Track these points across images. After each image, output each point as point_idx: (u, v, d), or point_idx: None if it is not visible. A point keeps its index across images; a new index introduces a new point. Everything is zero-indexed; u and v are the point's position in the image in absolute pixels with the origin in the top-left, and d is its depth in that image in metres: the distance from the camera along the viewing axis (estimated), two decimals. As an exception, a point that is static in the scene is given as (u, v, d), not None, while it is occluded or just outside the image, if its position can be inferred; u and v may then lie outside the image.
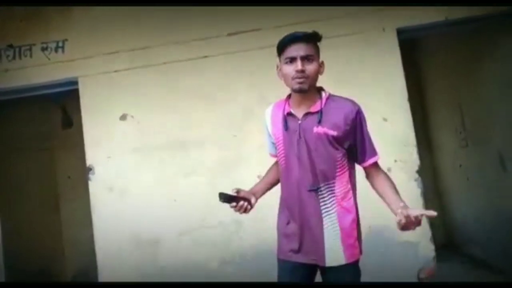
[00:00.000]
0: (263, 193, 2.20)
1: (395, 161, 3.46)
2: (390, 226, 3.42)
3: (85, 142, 3.75)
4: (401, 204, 1.79)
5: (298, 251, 2.00)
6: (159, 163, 3.66)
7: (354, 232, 2.00)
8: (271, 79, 3.41)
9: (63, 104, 6.32)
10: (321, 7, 3.49)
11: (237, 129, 3.62)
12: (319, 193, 1.93)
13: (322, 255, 1.94)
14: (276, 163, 2.21)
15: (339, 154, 1.93)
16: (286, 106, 2.02)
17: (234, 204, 2.00)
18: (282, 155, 2.03)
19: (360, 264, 3.36)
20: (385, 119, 3.48)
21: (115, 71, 3.73)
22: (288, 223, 2.04)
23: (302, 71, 1.87)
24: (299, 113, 1.98)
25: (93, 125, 3.75)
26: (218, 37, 3.64)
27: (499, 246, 4.53)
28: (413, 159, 3.44)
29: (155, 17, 3.71)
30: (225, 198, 1.99)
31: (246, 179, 3.50)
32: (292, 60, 1.89)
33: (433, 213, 1.71)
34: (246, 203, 2.01)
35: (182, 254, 3.57)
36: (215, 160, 3.63)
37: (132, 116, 3.72)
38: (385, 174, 2.05)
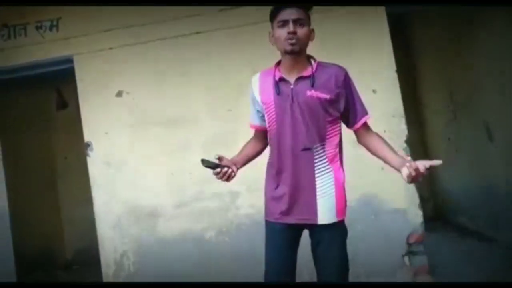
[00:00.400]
0: (243, 165, 2.24)
1: (384, 131, 3.53)
2: (380, 195, 3.58)
3: (82, 119, 3.82)
4: (408, 158, 1.90)
5: (287, 212, 2.08)
6: (156, 138, 3.74)
7: (344, 192, 2.12)
8: (264, 53, 3.51)
9: (58, 86, 6.37)
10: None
11: (232, 104, 3.70)
12: (314, 152, 2.02)
13: (314, 214, 2.04)
14: (255, 137, 2.32)
15: (331, 117, 2.03)
16: (277, 72, 2.09)
17: (217, 170, 2.04)
18: (274, 120, 2.09)
19: (351, 230, 3.52)
20: (374, 91, 3.58)
21: (110, 48, 3.79)
22: (276, 187, 2.12)
23: (294, 32, 1.95)
24: (291, 78, 2.05)
25: (89, 102, 3.83)
26: (211, 13, 3.70)
27: (486, 215, 4.69)
28: (401, 129, 3.55)
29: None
30: (208, 164, 2.02)
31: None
32: (285, 23, 1.97)
33: (438, 162, 1.79)
34: (229, 170, 2.06)
35: (180, 225, 3.68)
36: (211, 134, 3.71)
37: (128, 93, 3.80)
38: (377, 133, 2.14)
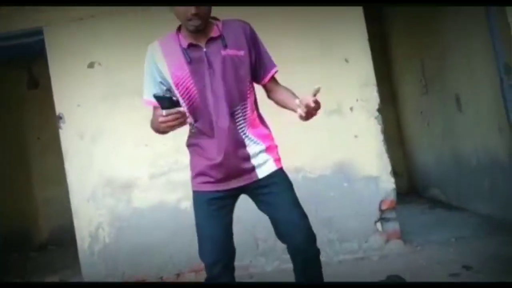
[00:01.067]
0: None
1: (357, 100, 3.63)
2: (352, 162, 3.64)
3: (53, 92, 3.77)
4: (297, 100, 1.78)
5: (225, 180, 1.94)
6: (129, 109, 3.70)
7: (274, 142, 2.04)
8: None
9: (28, 66, 6.26)
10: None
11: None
12: (238, 114, 1.92)
13: (251, 171, 1.94)
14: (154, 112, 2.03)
15: (248, 75, 1.94)
16: (182, 39, 1.93)
17: (175, 110, 1.71)
18: (193, 90, 1.90)
19: (325, 198, 3.58)
20: (346, 60, 3.62)
21: (80, 19, 3.74)
22: (208, 158, 1.95)
23: (196, 14, 1.80)
24: (200, 42, 1.90)
25: (60, 74, 3.77)
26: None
27: (456, 186, 4.82)
28: (373, 97, 3.61)
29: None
30: (163, 100, 1.71)
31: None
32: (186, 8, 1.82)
33: (318, 86, 1.69)
34: (183, 109, 1.78)
35: (155, 196, 3.68)
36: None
37: (100, 64, 3.76)
38: (285, 86, 2.04)
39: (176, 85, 1.92)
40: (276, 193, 1.95)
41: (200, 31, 1.88)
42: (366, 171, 3.62)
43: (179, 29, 1.96)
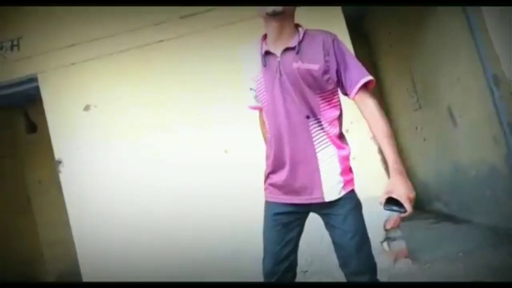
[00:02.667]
0: None
1: (351, 122, 3.64)
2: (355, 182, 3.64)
3: (51, 137, 3.81)
4: (395, 168, 1.71)
5: (290, 192, 1.91)
6: (127, 150, 3.74)
7: (349, 163, 1.94)
8: (229, 56, 3.60)
9: (25, 109, 6.31)
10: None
11: (199, 108, 3.74)
12: (310, 125, 1.84)
13: (319, 191, 1.85)
14: (261, 119, 2.10)
15: (322, 89, 1.84)
16: (263, 45, 1.92)
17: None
18: (265, 97, 1.93)
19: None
20: (338, 84, 3.66)
21: (73, 64, 3.80)
22: (277, 166, 1.93)
23: None
24: (277, 50, 1.88)
25: (57, 119, 3.82)
26: (171, 21, 3.75)
27: (458, 199, 4.82)
28: (368, 120, 3.63)
29: (106, 7, 3.78)
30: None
31: (213, 155, 3.69)
32: None
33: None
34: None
35: (160, 235, 3.67)
36: (181, 141, 3.74)
37: (96, 106, 3.80)
38: (373, 106, 1.82)
39: (257, 89, 1.96)
40: (340, 217, 1.88)
41: (280, 20, 1.84)
42: (367, 192, 3.56)
43: (265, 36, 1.95)
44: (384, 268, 3.53)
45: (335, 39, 1.84)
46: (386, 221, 3.59)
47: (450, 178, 4.90)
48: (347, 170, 1.90)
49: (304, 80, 1.82)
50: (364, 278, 1.88)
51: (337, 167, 1.87)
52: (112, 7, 3.75)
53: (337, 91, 1.90)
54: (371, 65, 6.27)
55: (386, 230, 3.59)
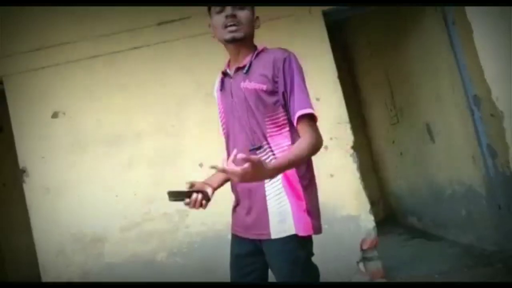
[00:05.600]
0: (222, 183, 1.90)
1: (331, 138, 3.57)
2: (331, 202, 3.57)
3: (16, 144, 3.60)
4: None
5: (242, 225, 1.78)
6: (96, 159, 3.57)
7: (301, 204, 1.68)
8: (204, 66, 3.48)
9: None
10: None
11: (174, 119, 3.61)
12: (260, 153, 1.68)
13: (266, 227, 1.68)
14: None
15: (271, 111, 1.69)
16: (225, 67, 1.85)
17: (186, 201, 1.70)
18: (223, 120, 1.82)
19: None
20: (317, 99, 3.57)
21: (42, 68, 3.60)
22: (238, 202, 1.82)
23: (233, 15, 1.69)
24: (232, 70, 1.80)
25: (23, 125, 3.61)
26: (148, 28, 3.60)
27: (432, 215, 4.81)
28: (347, 135, 3.57)
29: (79, 10, 3.61)
30: (175, 196, 1.69)
31: (187, 168, 3.56)
32: (221, 10, 1.72)
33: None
34: (200, 196, 1.70)
35: (128, 249, 3.51)
36: (154, 151, 3.59)
37: (64, 113, 3.61)
38: (309, 137, 1.62)
39: (219, 115, 1.86)
40: (276, 259, 1.70)
41: (237, 53, 1.76)
42: (345, 210, 3.55)
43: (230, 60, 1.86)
44: (360, 289, 3.47)
45: (287, 58, 1.67)
46: (363, 240, 3.53)
47: (425, 194, 4.89)
48: (300, 208, 1.67)
49: (251, 101, 1.69)
50: None
51: (286, 203, 1.67)
52: (85, 10, 3.57)
53: (287, 118, 1.70)
54: (350, 75, 6.24)
55: (362, 250, 3.52)
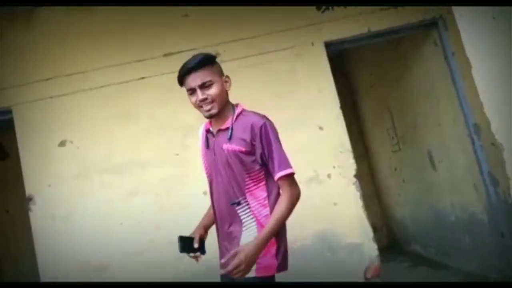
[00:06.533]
0: (212, 223, 2.16)
1: (334, 167, 3.62)
2: (334, 230, 3.59)
3: (23, 172, 3.64)
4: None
5: (223, 265, 1.92)
6: (102, 188, 3.61)
7: (271, 248, 1.90)
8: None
9: (-2, 136, 6.09)
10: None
11: (178, 148, 3.66)
12: (238, 207, 1.93)
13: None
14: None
15: (249, 171, 1.91)
16: (208, 124, 2.08)
17: (191, 255, 2.11)
18: (208, 173, 2.06)
19: (309, 269, 3.50)
20: (321, 128, 3.65)
21: (50, 97, 3.67)
22: (221, 242, 2.05)
23: (204, 99, 1.91)
24: (215, 129, 2.01)
25: (30, 154, 3.66)
26: (154, 58, 3.69)
27: (437, 242, 4.81)
28: (350, 164, 3.62)
29: (87, 40, 3.71)
30: (185, 248, 2.05)
31: (192, 196, 3.59)
32: (193, 91, 1.93)
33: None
34: (199, 254, 2.11)
35: (133, 277, 3.51)
36: (159, 180, 3.63)
37: (71, 142, 3.67)
38: (287, 198, 1.88)
39: (204, 168, 2.08)
40: None
41: (217, 117, 1.96)
42: (348, 238, 3.57)
43: None
44: (364, 319, 3.46)
45: (263, 126, 1.90)
46: (367, 269, 3.54)
47: (428, 221, 4.90)
48: (266, 252, 1.87)
49: (232, 160, 1.92)
50: None
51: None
52: (94, 40, 3.67)
53: (263, 172, 1.94)
54: (352, 103, 6.32)
55: (366, 278, 3.53)
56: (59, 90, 3.68)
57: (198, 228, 2.17)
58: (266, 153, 1.89)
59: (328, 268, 3.52)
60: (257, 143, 1.89)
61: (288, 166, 1.90)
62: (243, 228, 1.93)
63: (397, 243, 5.94)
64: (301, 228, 3.53)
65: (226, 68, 3.54)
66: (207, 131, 2.05)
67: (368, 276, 3.51)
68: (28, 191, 3.63)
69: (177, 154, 3.65)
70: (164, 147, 3.67)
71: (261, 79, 3.67)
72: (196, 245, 2.08)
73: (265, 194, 1.93)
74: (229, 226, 1.96)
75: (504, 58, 2.75)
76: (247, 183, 1.92)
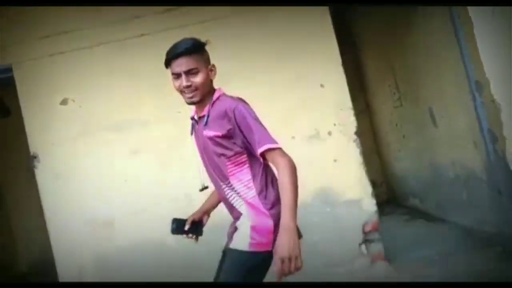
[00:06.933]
0: (215, 205, 2.25)
1: (334, 124, 3.65)
2: (334, 187, 3.66)
3: (27, 131, 3.69)
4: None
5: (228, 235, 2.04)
6: (105, 145, 3.66)
7: (267, 223, 1.89)
8: (211, 52, 3.51)
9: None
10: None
11: (181, 106, 3.65)
12: (225, 189, 1.97)
13: (231, 239, 1.97)
14: None
15: (228, 152, 1.91)
16: (194, 113, 2.08)
17: (189, 235, 2.16)
18: (200, 154, 2.08)
19: (309, 224, 3.58)
20: (322, 86, 3.64)
21: (50, 55, 3.66)
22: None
23: (188, 86, 1.89)
24: (197, 117, 2.04)
25: (33, 112, 3.69)
26: (156, 14, 3.64)
27: (434, 197, 4.90)
28: (350, 121, 3.64)
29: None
30: (177, 229, 2.14)
31: (193, 154, 3.63)
32: (178, 75, 1.91)
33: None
34: (191, 236, 2.19)
35: (138, 232, 3.62)
36: (161, 137, 3.67)
37: (73, 100, 3.68)
38: (284, 170, 1.80)
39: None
40: (225, 267, 1.94)
41: (198, 104, 1.96)
42: (347, 195, 3.64)
43: None
44: (362, 270, 3.58)
45: (235, 109, 1.87)
46: (365, 223, 3.63)
47: (427, 177, 4.97)
48: (258, 230, 1.88)
49: (212, 146, 1.92)
50: None
51: (248, 223, 1.90)
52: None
53: (246, 155, 1.93)
54: (353, 59, 6.26)
55: (364, 232, 3.62)
56: (60, 47, 3.66)
57: (196, 212, 2.25)
58: (246, 135, 1.87)
59: (328, 223, 3.62)
60: (234, 128, 1.87)
61: (272, 141, 1.85)
62: (237, 206, 1.96)
63: (396, 198, 6.05)
64: (301, 185, 3.53)
65: (228, 26, 3.52)
66: (192, 118, 2.07)
67: (367, 230, 3.61)
68: (32, 149, 3.68)
69: (179, 112, 3.66)
70: (166, 105, 3.68)
71: (262, 39, 3.64)
72: (186, 227, 2.14)
73: (249, 177, 1.93)
74: (232, 210, 2.01)
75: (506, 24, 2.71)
76: (228, 167, 1.93)
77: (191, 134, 2.09)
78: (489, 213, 3.86)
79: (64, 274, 3.62)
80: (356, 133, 3.66)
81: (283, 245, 1.71)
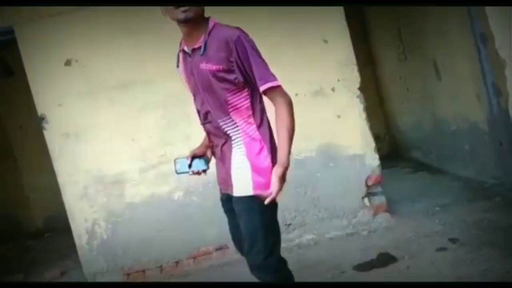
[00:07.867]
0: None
1: (338, 80, 3.66)
2: (337, 142, 3.72)
3: (33, 92, 3.71)
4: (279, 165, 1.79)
5: (220, 182, 2.06)
6: (110, 105, 3.69)
7: (264, 162, 1.89)
8: (216, 12, 3.47)
9: (1, 54, 6.07)
10: None
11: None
12: (224, 125, 1.90)
13: (231, 185, 1.94)
14: None
15: (229, 88, 1.85)
16: (182, 42, 1.95)
17: (190, 172, 2.11)
18: (192, 93, 2.02)
19: (313, 178, 3.68)
20: (325, 41, 3.63)
21: (50, 16, 3.63)
22: (218, 161, 2.08)
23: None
24: (189, 49, 1.90)
25: (37, 74, 3.69)
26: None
27: (436, 149, 4.97)
28: (354, 77, 3.64)
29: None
30: (181, 168, 2.13)
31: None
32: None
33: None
34: (197, 170, 2.09)
35: (147, 189, 3.72)
36: (166, 95, 3.68)
37: (77, 61, 3.69)
38: (283, 108, 1.81)
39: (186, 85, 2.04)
40: (240, 216, 1.93)
41: (190, 34, 1.85)
42: (350, 150, 3.70)
43: None
44: (365, 223, 3.70)
45: (238, 39, 1.78)
46: (368, 177, 3.71)
47: (430, 129, 5.02)
48: (259, 170, 1.88)
49: (212, 80, 1.83)
50: (258, 275, 1.92)
51: (246, 167, 1.89)
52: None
53: (246, 88, 1.88)
54: (357, 12, 6.15)
55: (367, 186, 3.71)
56: (61, 8, 3.60)
57: (197, 147, 2.18)
58: (247, 69, 1.80)
59: (332, 178, 3.70)
60: (235, 59, 1.79)
61: (271, 78, 1.80)
62: (233, 144, 1.92)
63: (398, 150, 6.13)
64: (305, 140, 3.64)
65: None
66: (183, 51, 1.94)
67: (370, 183, 3.69)
68: (40, 110, 3.72)
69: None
70: (170, 62, 3.67)
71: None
72: (188, 162, 2.10)
73: (250, 112, 1.90)
74: (222, 145, 1.96)
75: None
76: (230, 102, 1.86)
77: (183, 68, 1.96)
78: (490, 164, 3.94)
79: (78, 230, 3.76)
80: (360, 88, 3.68)
81: (277, 171, 1.77)
